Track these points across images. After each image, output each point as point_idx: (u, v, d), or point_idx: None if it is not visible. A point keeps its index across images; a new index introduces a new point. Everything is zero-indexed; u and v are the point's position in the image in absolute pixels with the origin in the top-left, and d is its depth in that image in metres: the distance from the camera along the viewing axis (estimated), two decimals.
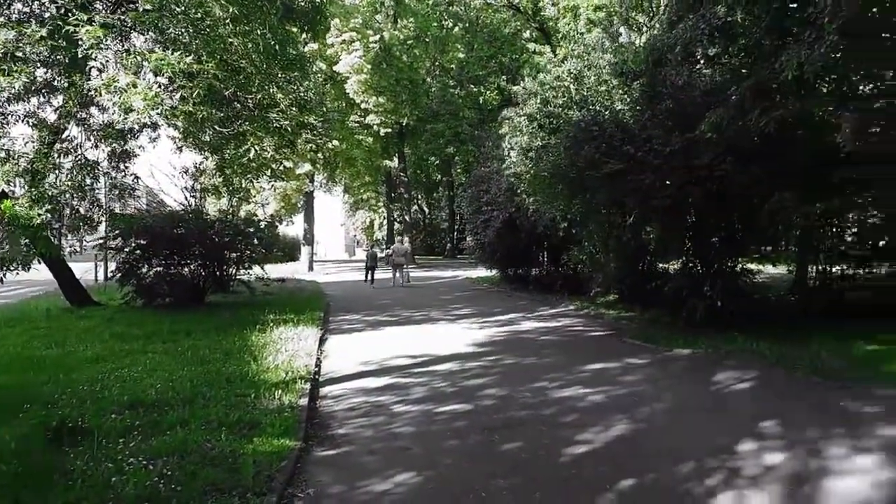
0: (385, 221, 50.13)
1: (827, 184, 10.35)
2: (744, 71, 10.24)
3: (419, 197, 57.44)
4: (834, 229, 13.19)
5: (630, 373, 8.59)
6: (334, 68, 32.82)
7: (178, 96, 10.42)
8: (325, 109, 31.02)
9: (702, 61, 11.54)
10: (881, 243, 12.88)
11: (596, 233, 14.75)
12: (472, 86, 39.41)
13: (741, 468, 4.94)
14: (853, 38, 7.57)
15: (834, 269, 13.33)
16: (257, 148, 14.20)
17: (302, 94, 13.45)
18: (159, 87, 10.26)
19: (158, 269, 15.48)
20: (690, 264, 12.28)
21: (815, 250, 13.23)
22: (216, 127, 11.91)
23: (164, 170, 17.51)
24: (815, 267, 13.51)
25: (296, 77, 12.79)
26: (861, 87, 11.33)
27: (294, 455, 5.16)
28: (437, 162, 47.69)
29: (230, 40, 10.45)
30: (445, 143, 39.04)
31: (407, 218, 42.14)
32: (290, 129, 13.23)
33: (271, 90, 12.08)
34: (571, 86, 14.84)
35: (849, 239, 13.40)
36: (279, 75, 12.11)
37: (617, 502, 4.38)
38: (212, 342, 10.16)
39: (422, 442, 5.71)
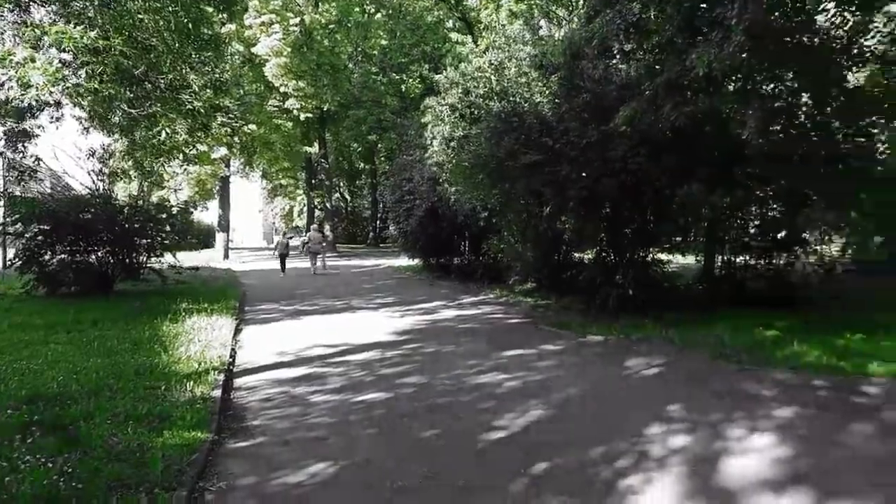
0: (305, 208, 49.29)
1: (732, 177, 10.87)
2: (657, 67, 10.58)
3: (341, 184, 56.75)
4: (738, 221, 13.88)
5: (545, 359, 8.81)
6: (253, 50, 31.89)
7: (83, 73, 9.86)
8: (242, 92, 30.35)
9: (617, 56, 11.84)
10: (780, 235, 13.62)
11: (514, 222, 14.99)
12: (394, 73, 39.13)
13: (648, 451, 5.13)
14: (757, 40, 7.95)
15: (738, 260, 14.05)
16: (169, 130, 13.63)
17: (217, 76, 12.99)
18: (62, 63, 9.66)
19: (63, 255, 14.79)
20: (604, 254, 12.65)
21: (721, 241, 13.89)
22: (125, 107, 11.34)
23: (70, 152, 16.60)
24: (721, 257, 14.21)
25: (210, 58, 12.32)
26: (764, 87, 11.93)
27: (206, 448, 5.02)
28: (360, 149, 47.14)
29: (139, 16, 9.96)
30: (368, 131, 38.67)
31: (328, 205, 41.57)
32: (203, 111, 12.74)
33: (184, 71, 11.60)
34: (492, 77, 15.00)
35: (752, 231, 14.12)
36: (192, 55, 11.65)
37: (530, 486, 4.47)
38: (120, 332, 9.75)
39: (338, 432, 5.66)
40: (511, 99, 13.83)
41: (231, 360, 8.59)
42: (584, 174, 10.81)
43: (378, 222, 51.38)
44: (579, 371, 8.11)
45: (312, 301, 15.41)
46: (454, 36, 38.35)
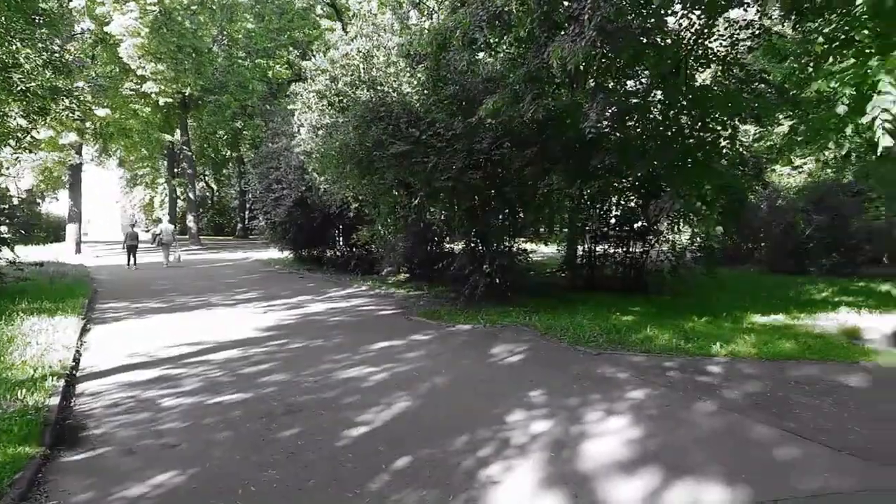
0: (167, 199, 46.59)
1: (590, 170, 11.33)
2: (520, 60, 10.80)
3: (206, 173, 54.19)
4: (598, 212, 14.56)
5: (414, 349, 8.79)
6: (105, 29, 29.51)
7: None
8: (94, 74, 28.02)
9: (483, 48, 11.98)
10: (636, 225, 14.43)
11: (385, 213, 14.87)
12: (261, 59, 37.66)
13: (510, 438, 5.20)
14: (610, 36, 8.27)
15: (598, 248, 14.77)
16: None
17: (57, 55, 11.77)
18: None
19: None
20: (472, 244, 12.82)
21: (583, 231, 14.52)
22: None
23: None
24: (582, 246, 14.87)
25: (45, 34, 11.11)
26: (625, 83, 12.54)
27: (34, 464, 4.51)
28: (226, 136, 45.12)
29: None
30: (232, 117, 37.06)
31: (192, 195, 39.42)
32: (40, 93, 11.48)
33: (13, 48, 10.36)
34: (361, 65, 14.76)
35: (612, 221, 14.87)
36: (26, 31, 10.45)
37: (391, 482, 4.37)
38: None
39: (190, 437, 5.29)
40: (379, 88, 13.67)
41: (74, 363, 7.87)
42: (451, 165, 10.85)
43: (246, 213, 49.47)
44: (446, 360, 8.13)
45: (169, 298, 14.50)
46: (325, 23, 37.49)
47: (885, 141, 6.36)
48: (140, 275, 20.55)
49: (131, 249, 22.73)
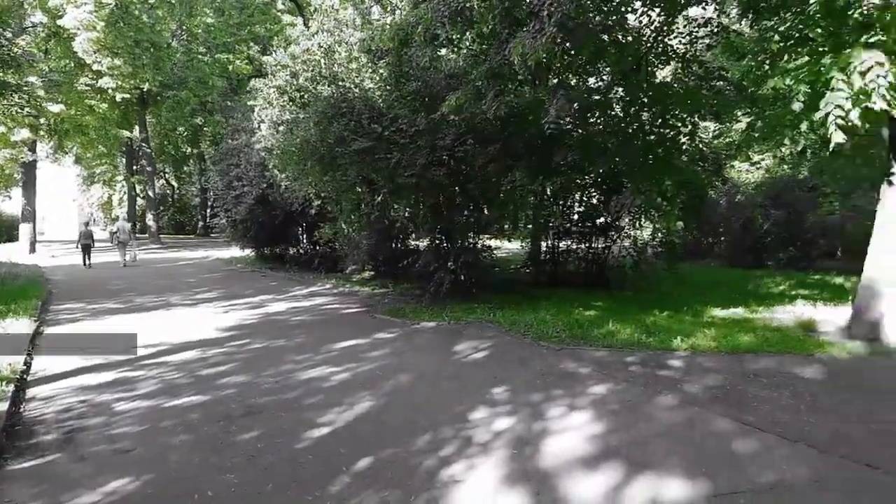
0: (126, 197, 45.58)
1: (552, 167, 11.39)
2: (482, 56, 10.78)
3: (166, 170, 53.14)
4: (561, 208, 14.65)
5: (378, 348, 8.71)
6: (59, 23, 28.62)
7: None
8: (46, 68, 27.20)
9: (445, 44, 11.92)
10: (599, 221, 14.56)
11: (348, 210, 14.75)
12: (221, 54, 36.97)
13: (473, 436, 5.17)
14: (570, 33, 8.28)
15: (561, 244, 14.87)
16: None
17: (6, 49, 11.36)
18: None
19: None
20: (437, 241, 12.79)
21: (546, 227, 14.60)
22: None
23: None
24: (546, 242, 14.97)
25: None
26: (587, 80, 12.60)
27: None
28: (186, 133, 44.27)
29: None
30: (191, 113, 36.38)
31: (151, 193, 38.57)
32: None
33: None
34: (322, 60, 14.60)
35: (574, 217, 14.97)
36: None
37: (351, 483, 4.30)
38: None
39: (146, 441, 5.15)
40: (341, 84, 13.53)
41: (25, 367, 7.61)
42: (414, 162, 10.78)
43: (208, 211, 48.59)
44: (410, 358, 8.08)
45: (127, 298, 14.14)
46: (286, 18, 36.99)
47: (838, 137, 6.50)
48: (97, 274, 20.01)
49: (86, 249, 22.13)
